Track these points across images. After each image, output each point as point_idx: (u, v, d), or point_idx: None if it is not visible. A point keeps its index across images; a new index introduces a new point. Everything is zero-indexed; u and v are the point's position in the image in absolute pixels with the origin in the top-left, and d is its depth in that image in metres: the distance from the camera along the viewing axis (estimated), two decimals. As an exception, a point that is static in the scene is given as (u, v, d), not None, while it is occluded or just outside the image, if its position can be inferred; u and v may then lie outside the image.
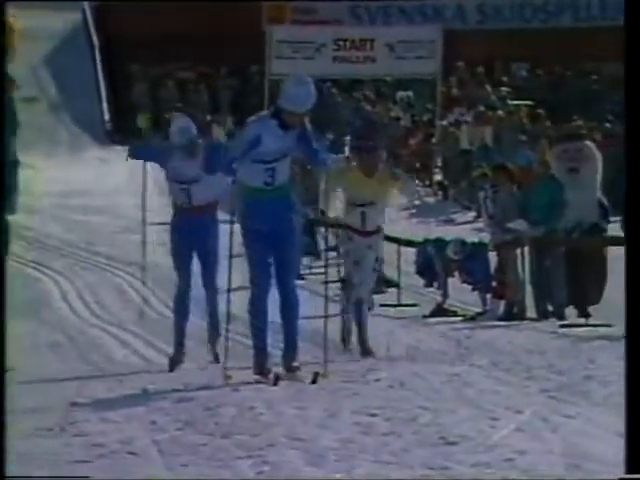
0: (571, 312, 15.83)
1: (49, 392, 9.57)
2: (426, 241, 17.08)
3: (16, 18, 9.39)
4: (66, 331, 13.00)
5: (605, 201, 16.46)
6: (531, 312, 15.82)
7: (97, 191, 21.06)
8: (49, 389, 9.80)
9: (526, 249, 15.81)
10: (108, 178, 25.00)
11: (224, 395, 9.43)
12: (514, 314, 15.41)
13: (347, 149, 28.34)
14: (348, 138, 29.47)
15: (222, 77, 35.25)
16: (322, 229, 18.98)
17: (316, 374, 9.61)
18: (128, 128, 33.93)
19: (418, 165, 29.56)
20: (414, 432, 8.08)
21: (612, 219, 16.67)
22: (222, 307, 11.12)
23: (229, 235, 10.20)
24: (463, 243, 16.64)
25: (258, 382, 9.81)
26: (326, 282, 11.40)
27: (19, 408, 8.77)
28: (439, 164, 28.73)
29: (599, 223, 15.92)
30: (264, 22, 35.75)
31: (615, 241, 16.05)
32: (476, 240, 16.96)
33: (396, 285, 16.76)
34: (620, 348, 12.92)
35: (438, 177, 27.96)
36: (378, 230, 13.43)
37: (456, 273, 16.23)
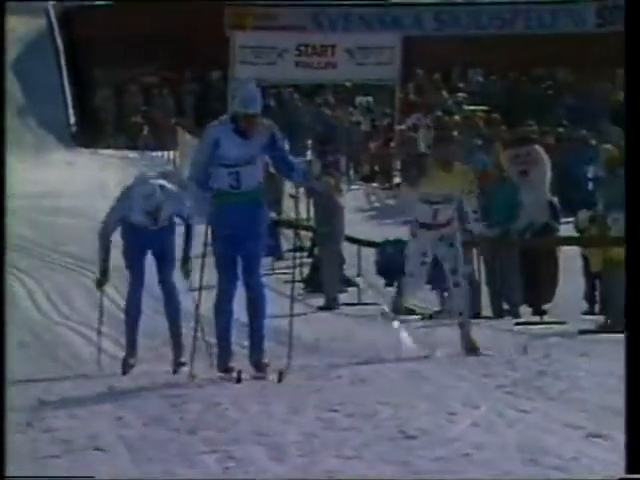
0: (525, 310, 15.94)
1: (17, 390, 9.54)
2: (386, 242, 17.10)
3: None
4: (33, 330, 12.90)
5: (556, 202, 16.54)
6: (487, 311, 15.92)
7: (64, 193, 20.92)
8: (16, 387, 9.77)
9: (482, 249, 15.88)
10: (74, 180, 24.97)
11: (189, 392, 9.45)
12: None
13: (309, 152, 28.37)
14: (309, 142, 29.48)
15: (186, 82, 35.23)
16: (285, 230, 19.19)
17: (281, 372, 9.61)
18: (93, 131, 34.07)
19: (377, 168, 29.61)
20: (374, 427, 8.11)
21: (564, 220, 16.87)
22: (188, 306, 11.11)
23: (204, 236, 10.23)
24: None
25: (223, 379, 9.81)
26: (292, 281, 11.44)
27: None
28: (398, 167, 28.72)
29: (550, 223, 15.98)
30: (227, 28, 35.67)
31: (567, 241, 16.15)
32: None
33: (356, 284, 16.79)
34: (574, 344, 13.04)
35: (397, 180, 27.95)
36: (449, 222, 12.57)
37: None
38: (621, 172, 18.02)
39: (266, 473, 7.08)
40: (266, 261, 13.66)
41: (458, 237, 12.58)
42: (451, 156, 12.43)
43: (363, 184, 28.57)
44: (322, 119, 31.84)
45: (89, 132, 33.11)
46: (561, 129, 26.49)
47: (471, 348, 11.88)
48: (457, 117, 30.30)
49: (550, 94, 32.76)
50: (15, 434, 8.15)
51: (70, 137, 31.27)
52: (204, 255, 10.17)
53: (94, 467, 7.30)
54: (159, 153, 32.72)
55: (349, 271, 16.92)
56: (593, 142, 26.74)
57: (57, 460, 7.49)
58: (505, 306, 15.49)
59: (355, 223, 18.47)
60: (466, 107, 31.16)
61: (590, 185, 21.31)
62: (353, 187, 27.50)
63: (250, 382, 9.73)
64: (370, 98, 33.54)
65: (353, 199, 21.49)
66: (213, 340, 10.71)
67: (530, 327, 14.43)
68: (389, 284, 16.46)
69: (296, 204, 18.76)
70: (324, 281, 16.65)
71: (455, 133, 13.86)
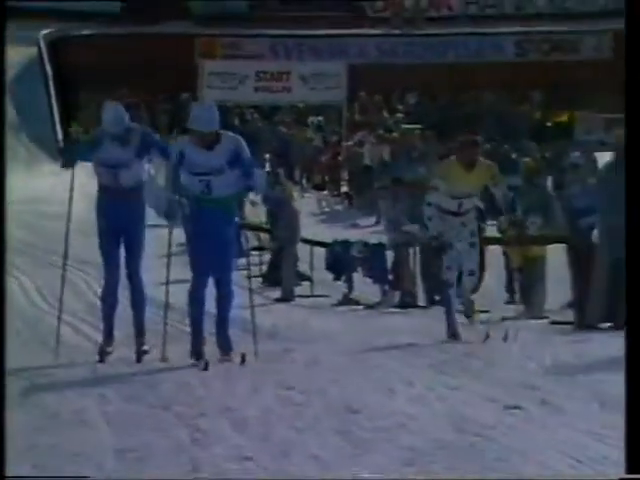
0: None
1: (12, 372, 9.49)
2: (335, 242, 17.14)
3: None
4: (25, 320, 12.83)
5: (482, 207, 16.56)
6: (421, 301, 15.97)
7: (53, 199, 20.79)
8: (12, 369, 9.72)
9: (417, 248, 15.93)
10: (61, 188, 24.83)
11: (163, 374, 9.44)
12: (407, 302, 15.50)
13: (267, 165, 28.31)
14: (268, 156, 29.47)
15: (159, 103, 35.11)
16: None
17: (244, 355, 9.59)
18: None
19: (328, 179, 29.61)
20: (324, 403, 8.13)
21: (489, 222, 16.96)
22: (161, 298, 10.97)
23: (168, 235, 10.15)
24: (365, 244, 16.74)
25: (194, 365, 9.78)
26: (253, 277, 11.43)
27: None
28: (346, 178, 28.75)
29: (478, 225, 16.01)
30: (197, 56, 35.72)
31: (491, 241, 16.20)
32: (376, 241, 17.02)
33: (309, 279, 16.82)
34: (496, 330, 13.06)
35: (345, 189, 27.99)
36: (470, 210, 12.29)
37: (359, 269, 16.30)
38: (538, 181, 18.15)
39: (228, 442, 7.11)
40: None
41: (477, 226, 12.50)
42: (474, 158, 12.14)
43: (315, 192, 28.54)
44: (279, 136, 31.81)
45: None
46: (488, 145, 26.58)
47: (469, 315, 12.26)
48: (396, 134, 30.37)
49: (476, 114, 32.86)
50: (11, 410, 8.15)
51: (57, 151, 31.06)
52: (169, 255, 10.12)
53: (79, 439, 7.31)
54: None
55: (303, 267, 16.92)
56: (514, 156, 26.96)
57: (48, 432, 7.49)
58: (437, 297, 15.51)
59: (308, 226, 18.47)
60: (404, 125, 31.17)
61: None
62: (306, 195, 27.47)
63: (216, 364, 9.70)
64: (321, 118, 33.55)
65: (306, 205, 21.48)
66: (187, 328, 10.61)
67: (458, 314, 14.45)
68: (337, 278, 16.49)
69: (256, 210, 18.86)
70: (282, 276, 16.68)
71: (478, 138, 13.46)
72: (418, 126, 30.38)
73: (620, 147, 15.42)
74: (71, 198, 11.07)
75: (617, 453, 6.72)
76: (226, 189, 9.76)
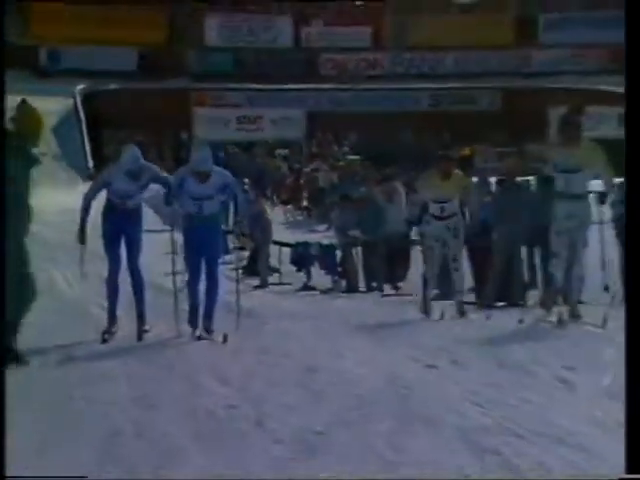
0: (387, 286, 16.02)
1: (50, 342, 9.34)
2: (297, 244, 17.07)
3: (37, 111, 9.32)
4: (66, 303, 12.54)
5: (409, 217, 16.54)
6: (362, 287, 15.97)
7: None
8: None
9: (359, 248, 15.92)
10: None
11: (169, 344, 9.35)
12: (352, 289, 15.46)
13: (246, 186, 28.26)
14: (246, 180, 29.47)
15: (165, 139, 34.96)
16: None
17: (225, 335, 9.44)
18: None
19: (292, 197, 29.48)
20: (290, 364, 8.11)
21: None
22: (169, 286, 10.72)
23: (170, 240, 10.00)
24: (320, 245, 16.70)
25: (190, 336, 9.54)
26: (237, 269, 11.36)
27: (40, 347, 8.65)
28: (305, 196, 28.70)
29: (405, 231, 15.97)
30: (191, 105, 35.97)
31: (414, 242, 16.17)
32: (328, 243, 16.99)
33: (278, 271, 16.75)
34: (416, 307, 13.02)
35: (304, 204, 27.94)
36: (453, 215, 11.38)
37: (316, 263, 16.26)
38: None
39: (216, 395, 7.06)
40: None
41: (461, 230, 11.51)
42: (449, 170, 11.45)
43: (282, 206, 28.39)
44: (254, 165, 31.65)
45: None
46: (412, 172, 26.59)
47: (462, 312, 11.36)
48: (342, 163, 30.36)
49: (400, 150, 33.05)
50: (53, 370, 8.05)
51: (88, 176, 30.87)
52: (174, 252, 9.97)
53: (105, 390, 7.24)
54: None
55: (273, 262, 16.87)
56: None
57: (82, 388, 7.40)
58: (374, 284, 15.47)
59: (277, 232, 18.40)
60: (348, 157, 31.19)
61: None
62: (276, 208, 27.28)
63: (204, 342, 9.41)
64: (286, 151, 33.51)
65: (276, 216, 21.40)
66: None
67: (390, 298, 14.43)
68: (299, 270, 16.42)
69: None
70: (258, 269, 16.61)
71: (453, 153, 13.31)
72: (358, 157, 30.38)
73: (509, 173, 15.58)
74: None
75: (511, 399, 6.72)
76: (214, 209, 9.75)
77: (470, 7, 43.38)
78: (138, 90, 35.40)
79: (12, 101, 9.32)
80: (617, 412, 6.43)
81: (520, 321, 10.13)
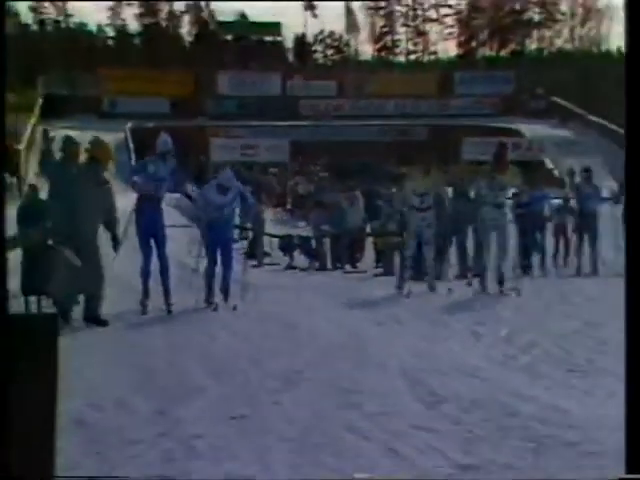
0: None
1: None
2: (284, 235, 16.95)
3: (108, 144, 9.23)
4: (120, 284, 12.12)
5: (365, 217, 16.41)
6: (330, 267, 15.88)
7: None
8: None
9: (328, 239, 15.82)
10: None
11: (192, 312, 9.16)
12: (323, 268, 15.35)
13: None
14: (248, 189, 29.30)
15: (190, 163, 34.66)
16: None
17: (235, 306, 8.91)
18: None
19: (280, 202, 29.24)
20: (276, 322, 7.99)
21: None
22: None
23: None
24: (300, 236, 16.58)
25: (207, 308, 9.01)
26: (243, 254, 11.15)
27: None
28: (290, 202, 28.53)
29: (362, 226, 15.89)
30: (208, 136, 35.85)
31: (368, 234, 16.10)
32: (306, 235, 16.89)
33: (269, 255, 16.62)
34: (370, 280, 12.92)
35: (289, 207, 27.80)
36: (429, 208, 10.30)
37: (297, 250, 16.13)
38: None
39: (222, 342, 6.97)
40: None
41: (434, 221, 10.40)
42: (428, 167, 10.81)
43: (273, 209, 28.18)
44: (255, 179, 31.46)
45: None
46: (360, 189, 26.51)
47: (432, 287, 10.28)
48: (316, 178, 30.19)
49: (359, 169, 33.06)
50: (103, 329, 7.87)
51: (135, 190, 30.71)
52: (201, 243, 9.63)
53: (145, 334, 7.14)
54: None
55: (266, 248, 16.74)
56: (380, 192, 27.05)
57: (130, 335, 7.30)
58: (339, 264, 15.36)
59: (269, 227, 18.30)
60: (320, 174, 31.03)
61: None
62: (269, 210, 27.05)
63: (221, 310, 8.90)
64: (276, 169, 33.27)
65: (269, 215, 21.23)
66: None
67: (350, 275, 14.35)
68: (285, 255, 16.27)
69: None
70: (256, 253, 16.48)
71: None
72: (327, 174, 30.27)
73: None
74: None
75: (437, 347, 6.67)
76: (231, 212, 9.48)
77: (406, 67, 44.28)
78: (170, 127, 35.16)
79: (87, 136, 9.09)
80: (510, 351, 6.41)
81: (449, 290, 9.98)
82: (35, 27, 48.96)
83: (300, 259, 15.94)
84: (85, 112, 36.44)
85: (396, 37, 51.34)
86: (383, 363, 6.06)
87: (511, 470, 3.82)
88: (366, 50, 51.85)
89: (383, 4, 50.13)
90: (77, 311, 7.99)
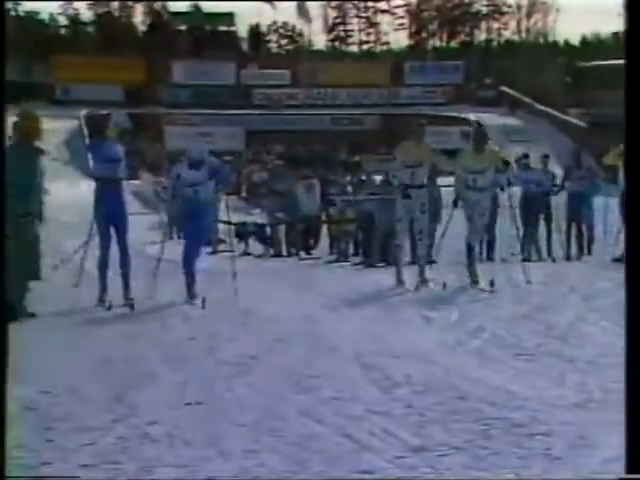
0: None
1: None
2: (239, 222, 16.83)
3: (33, 112, 8.10)
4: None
5: (321, 205, 16.30)
6: (285, 253, 15.84)
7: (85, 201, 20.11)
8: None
9: (283, 226, 15.77)
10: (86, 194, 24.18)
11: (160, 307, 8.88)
12: (277, 254, 15.30)
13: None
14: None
15: (144, 148, 34.31)
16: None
17: (204, 300, 8.04)
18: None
19: (236, 190, 29.02)
20: (229, 304, 7.96)
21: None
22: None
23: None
24: (255, 223, 16.48)
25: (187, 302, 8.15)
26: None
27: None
28: (245, 189, 28.39)
29: (318, 214, 15.84)
30: (162, 124, 35.76)
31: (323, 221, 16.05)
32: (260, 222, 16.82)
33: (224, 241, 16.47)
34: (325, 266, 12.90)
35: (244, 194, 27.65)
36: (422, 185, 9.02)
37: (252, 236, 16.04)
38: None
39: (181, 331, 6.89)
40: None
41: (427, 205, 9.10)
42: (421, 136, 9.28)
43: (228, 196, 28.08)
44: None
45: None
46: (315, 176, 26.49)
47: (424, 281, 9.01)
48: (270, 166, 30.02)
49: (312, 157, 33.01)
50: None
51: (90, 174, 30.29)
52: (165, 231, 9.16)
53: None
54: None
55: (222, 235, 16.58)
56: (333, 180, 27.06)
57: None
58: (293, 250, 15.32)
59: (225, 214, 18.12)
60: (275, 162, 30.89)
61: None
62: (224, 198, 27.01)
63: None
64: (231, 157, 32.96)
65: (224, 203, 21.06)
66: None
67: (306, 261, 14.32)
68: (240, 241, 16.13)
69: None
70: (210, 240, 16.31)
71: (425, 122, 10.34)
72: (282, 162, 30.17)
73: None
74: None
75: (390, 332, 6.68)
76: (208, 195, 8.33)
77: (359, 58, 44.29)
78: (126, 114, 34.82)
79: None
80: (459, 336, 6.44)
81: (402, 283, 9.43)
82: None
83: (255, 246, 15.87)
84: (37, 99, 35.94)
85: (349, 28, 51.33)
86: (336, 347, 6.04)
87: (461, 451, 3.83)
88: (320, 40, 51.82)
89: (335, -5, 50.09)
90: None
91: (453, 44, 50.32)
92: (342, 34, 51.37)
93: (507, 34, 50.88)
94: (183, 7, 46.44)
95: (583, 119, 35.98)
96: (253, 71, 40.99)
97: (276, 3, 42.47)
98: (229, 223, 18.19)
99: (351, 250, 14.64)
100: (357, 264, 13.16)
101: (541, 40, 50.55)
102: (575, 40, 52.59)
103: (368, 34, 51.34)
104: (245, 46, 49.06)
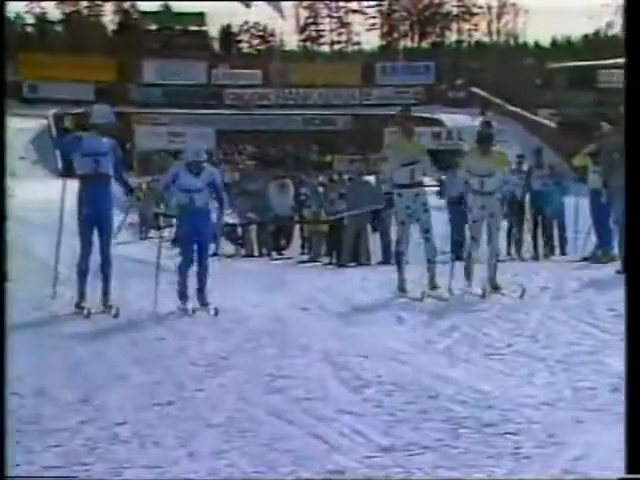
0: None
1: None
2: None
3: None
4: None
5: (294, 206, 16.29)
6: (256, 253, 15.80)
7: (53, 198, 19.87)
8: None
9: (254, 226, 15.74)
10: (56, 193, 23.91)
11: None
12: (249, 255, 15.25)
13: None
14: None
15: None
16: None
17: (217, 309, 7.60)
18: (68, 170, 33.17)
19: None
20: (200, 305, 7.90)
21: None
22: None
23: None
24: (226, 223, 16.39)
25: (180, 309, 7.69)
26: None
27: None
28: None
29: (291, 215, 15.85)
30: (133, 123, 35.45)
31: (296, 222, 16.04)
32: (232, 222, 16.76)
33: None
34: (301, 265, 12.85)
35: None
36: (421, 183, 8.24)
37: (224, 237, 15.95)
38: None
39: (151, 332, 6.84)
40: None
41: (429, 203, 8.33)
42: (411, 127, 8.39)
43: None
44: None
45: (69, 171, 32.04)
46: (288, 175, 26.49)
47: (434, 286, 8.23)
48: (241, 166, 30.03)
49: (284, 157, 33.07)
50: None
51: (59, 174, 29.95)
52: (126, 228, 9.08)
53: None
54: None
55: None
56: (305, 180, 27.04)
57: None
58: (265, 250, 15.29)
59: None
60: (246, 162, 30.87)
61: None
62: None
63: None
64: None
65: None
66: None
67: (276, 262, 14.30)
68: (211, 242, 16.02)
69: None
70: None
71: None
72: (253, 162, 30.20)
73: (359, 174, 15.57)
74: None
75: (359, 330, 6.69)
76: (203, 201, 7.72)
77: (331, 58, 44.35)
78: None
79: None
80: (429, 336, 6.46)
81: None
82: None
83: (227, 246, 15.81)
84: (8, 97, 35.72)
85: (320, 28, 51.39)
86: (306, 347, 6.04)
87: (431, 451, 3.84)
88: (291, 40, 51.79)
89: (307, -5, 50.11)
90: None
91: (424, 45, 50.56)
92: (314, 34, 51.39)
93: (478, 35, 51.25)
94: (153, 7, 46.29)
95: (553, 120, 36.36)
96: (224, 71, 40.88)
97: (250, 2, 42.42)
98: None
99: (323, 250, 14.64)
100: (328, 264, 13.18)
101: (511, 41, 50.96)
102: (545, 42, 53.12)
103: (340, 34, 51.43)
104: (216, 46, 48.94)
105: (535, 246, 13.01)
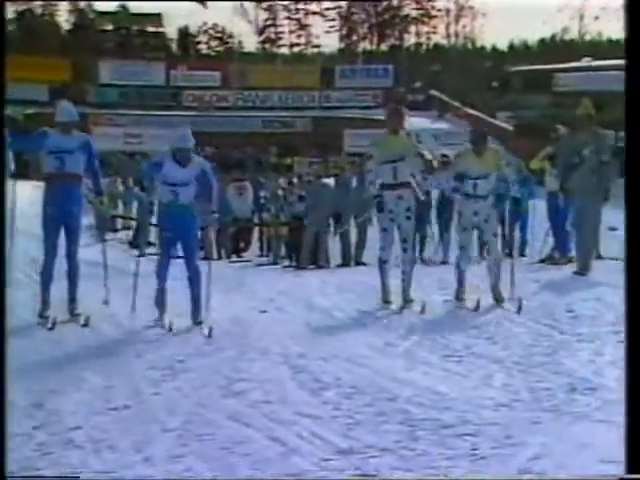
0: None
1: None
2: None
3: None
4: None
5: (253, 208, 16.22)
6: (216, 256, 15.64)
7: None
8: None
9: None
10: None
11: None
12: (208, 257, 14.99)
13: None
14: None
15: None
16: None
17: (210, 328, 6.84)
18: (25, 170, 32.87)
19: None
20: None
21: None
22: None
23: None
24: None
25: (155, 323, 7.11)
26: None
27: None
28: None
29: (250, 217, 15.80)
30: (89, 124, 34.90)
31: (256, 224, 15.99)
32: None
33: (153, 244, 16.14)
34: (270, 267, 12.76)
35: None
36: (407, 184, 7.49)
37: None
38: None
39: (110, 338, 6.76)
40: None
41: (414, 209, 7.54)
42: (399, 124, 7.48)
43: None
44: (137, 167, 30.87)
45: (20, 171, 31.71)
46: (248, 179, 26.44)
47: (408, 300, 7.53)
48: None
49: (245, 159, 33.03)
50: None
51: (11, 176, 29.63)
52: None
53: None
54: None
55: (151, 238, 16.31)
56: (264, 183, 27.02)
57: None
58: (223, 253, 15.21)
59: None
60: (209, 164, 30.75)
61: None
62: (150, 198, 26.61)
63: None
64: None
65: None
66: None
67: (235, 263, 14.22)
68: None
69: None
70: (139, 243, 16.01)
71: (401, 107, 7.97)
72: (212, 164, 30.07)
73: (316, 174, 15.58)
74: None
75: (318, 333, 6.68)
76: (189, 197, 7.01)
77: (289, 60, 44.50)
78: (49, 114, 34.06)
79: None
80: (391, 339, 6.47)
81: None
82: None
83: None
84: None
85: (279, 29, 51.38)
86: (265, 349, 6.03)
87: (388, 453, 3.85)
88: (250, 42, 51.73)
89: (265, -4, 50.06)
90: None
91: (383, 47, 50.83)
92: (273, 36, 51.36)
93: (436, 38, 51.67)
94: (109, 7, 45.85)
95: (510, 122, 36.78)
96: (182, 72, 40.64)
97: (207, 2, 42.27)
98: (156, 225, 18.01)
99: (282, 252, 14.63)
100: (287, 266, 13.17)
101: (469, 44, 51.48)
102: (502, 45, 53.76)
103: (299, 36, 51.47)
104: (174, 47, 48.67)
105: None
